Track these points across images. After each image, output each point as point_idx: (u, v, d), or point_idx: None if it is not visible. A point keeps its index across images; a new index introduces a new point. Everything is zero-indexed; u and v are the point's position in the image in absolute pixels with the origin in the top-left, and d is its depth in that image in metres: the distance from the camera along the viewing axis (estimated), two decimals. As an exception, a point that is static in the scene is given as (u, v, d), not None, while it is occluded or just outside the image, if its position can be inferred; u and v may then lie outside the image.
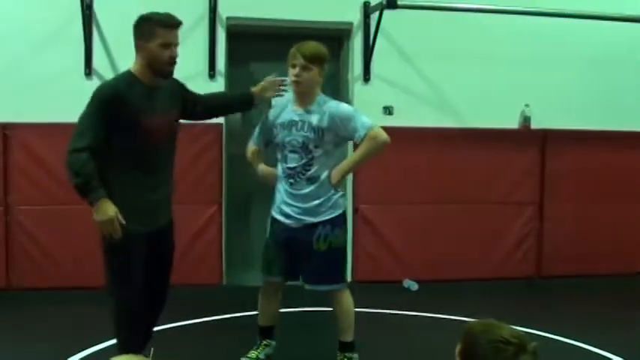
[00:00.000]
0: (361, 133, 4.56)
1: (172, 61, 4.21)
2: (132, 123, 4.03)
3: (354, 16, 7.62)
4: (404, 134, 7.50)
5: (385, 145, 4.66)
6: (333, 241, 4.61)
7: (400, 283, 7.50)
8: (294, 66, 4.55)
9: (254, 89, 4.85)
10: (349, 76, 7.72)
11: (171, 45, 4.19)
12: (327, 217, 4.61)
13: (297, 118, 4.61)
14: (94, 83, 7.05)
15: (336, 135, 4.58)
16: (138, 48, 4.27)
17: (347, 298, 4.78)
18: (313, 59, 4.53)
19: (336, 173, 4.62)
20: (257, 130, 4.93)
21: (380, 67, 7.64)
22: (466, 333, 2.29)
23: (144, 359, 2.10)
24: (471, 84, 7.72)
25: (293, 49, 4.57)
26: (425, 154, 7.66)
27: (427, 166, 7.65)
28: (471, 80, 7.72)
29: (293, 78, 4.57)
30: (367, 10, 7.56)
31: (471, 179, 7.74)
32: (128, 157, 4.09)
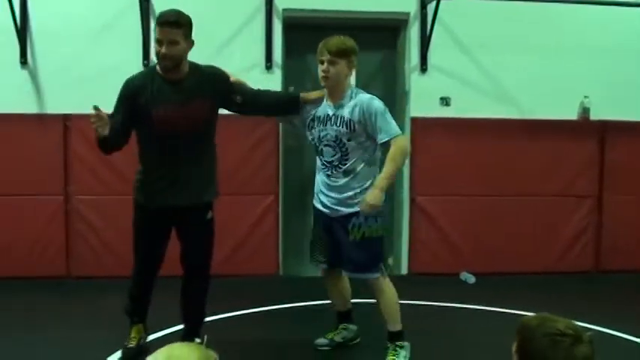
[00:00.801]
0: (384, 137, 4.57)
1: (163, 57, 4.46)
2: (143, 113, 4.48)
3: (411, 6, 7.57)
4: (461, 125, 7.49)
5: (407, 155, 4.79)
6: (366, 230, 4.65)
7: (457, 276, 7.45)
8: (322, 62, 4.65)
9: (303, 95, 4.92)
10: (406, 66, 7.67)
11: (162, 42, 4.43)
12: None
13: (330, 113, 4.69)
14: (153, 75, 7.19)
15: (365, 128, 4.60)
16: None
17: (386, 287, 4.78)
18: (339, 53, 4.61)
19: (373, 196, 4.54)
20: None
21: (437, 58, 7.58)
22: (521, 329, 2.28)
23: (199, 347, 2.11)
24: (530, 74, 7.62)
25: (320, 45, 4.69)
26: (482, 146, 7.58)
27: (484, 158, 7.57)
28: (529, 70, 7.62)
29: (321, 74, 4.65)
30: (424, 0, 7.50)
31: (529, 171, 7.64)
32: (147, 141, 4.60)
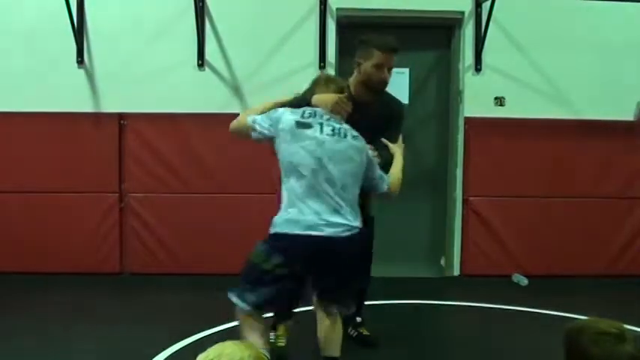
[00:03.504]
0: None
1: (382, 82, 4.72)
2: None
3: (466, 5, 7.50)
4: (515, 125, 7.42)
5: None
6: None
7: (509, 278, 7.38)
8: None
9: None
10: (460, 66, 7.61)
11: (382, 67, 4.67)
12: None
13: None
14: (207, 74, 7.31)
15: None
16: None
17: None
18: None
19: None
20: None
21: (491, 57, 7.51)
22: (567, 334, 2.31)
23: (251, 346, 2.13)
24: (585, 74, 7.51)
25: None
26: (536, 146, 7.49)
27: (538, 158, 7.49)
28: (585, 70, 7.50)
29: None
30: (479, -1, 7.45)
31: (583, 172, 7.53)
32: None
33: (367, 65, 4.60)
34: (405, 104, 4.90)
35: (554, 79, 7.54)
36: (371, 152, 4.17)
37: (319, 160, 3.88)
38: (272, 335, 4.71)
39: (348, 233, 3.86)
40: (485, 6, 7.27)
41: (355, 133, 4.06)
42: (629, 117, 7.63)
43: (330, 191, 3.85)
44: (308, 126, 3.98)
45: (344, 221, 3.85)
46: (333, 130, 3.98)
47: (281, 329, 4.83)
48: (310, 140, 3.93)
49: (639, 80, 7.53)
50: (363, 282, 4.94)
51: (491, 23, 7.24)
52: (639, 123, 7.61)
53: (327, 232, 3.82)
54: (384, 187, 4.24)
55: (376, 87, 4.65)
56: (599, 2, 7.17)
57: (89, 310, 6.08)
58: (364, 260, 4.78)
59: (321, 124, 3.98)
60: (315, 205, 3.85)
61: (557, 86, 7.54)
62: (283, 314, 4.79)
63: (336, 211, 3.85)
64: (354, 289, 4.23)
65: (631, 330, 2.25)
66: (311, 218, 3.84)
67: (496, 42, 7.42)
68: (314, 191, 3.86)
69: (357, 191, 4.01)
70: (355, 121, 4.21)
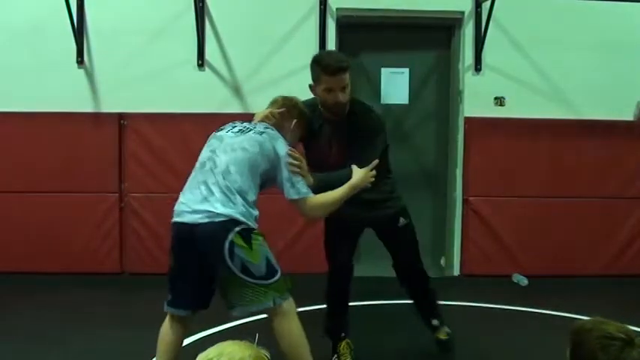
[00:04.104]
0: None
1: (337, 104, 4.30)
2: None
3: (466, 5, 7.51)
4: (515, 125, 7.43)
5: None
6: None
7: (509, 278, 7.38)
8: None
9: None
10: (460, 66, 7.62)
11: (333, 90, 4.24)
12: None
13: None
14: (207, 75, 7.32)
15: None
16: None
17: None
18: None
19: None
20: None
21: (492, 57, 7.51)
22: (573, 333, 2.28)
23: (250, 345, 2.13)
24: (585, 74, 7.51)
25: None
26: (536, 146, 7.49)
27: (538, 158, 7.49)
28: (585, 70, 7.51)
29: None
30: (479, -1, 7.46)
31: (584, 172, 7.53)
32: None
33: (319, 90, 4.26)
34: (381, 116, 4.54)
35: (554, 79, 7.54)
36: (287, 156, 3.89)
37: (213, 152, 3.87)
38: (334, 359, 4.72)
39: (206, 220, 3.71)
40: (485, 6, 7.28)
41: (263, 130, 3.95)
42: (629, 117, 7.64)
43: (210, 180, 3.77)
44: (221, 129, 4.05)
45: (208, 208, 3.70)
46: (240, 129, 3.96)
47: (343, 347, 4.76)
48: (215, 139, 3.97)
49: (639, 80, 7.53)
50: (420, 280, 4.94)
51: (491, 23, 7.25)
52: (639, 123, 7.61)
53: (187, 218, 3.78)
54: (292, 195, 3.88)
55: (332, 110, 4.30)
56: (599, 2, 7.17)
57: (89, 310, 6.09)
58: (408, 255, 4.84)
59: (234, 126, 4.01)
60: (188, 194, 3.85)
61: (557, 86, 7.54)
62: (334, 331, 4.79)
63: (205, 199, 3.74)
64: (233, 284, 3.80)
65: (627, 327, 2.23)
66: (180, 207, 3.86)
67: (496, 42, 7.42)
68: (194, 182, 3.86)
69: (244, 181, 3.77)
70: (327, 138, 4.29)
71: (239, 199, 3.74)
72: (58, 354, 5.00)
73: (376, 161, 4.12)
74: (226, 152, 3.83)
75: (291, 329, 3.84)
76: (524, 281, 7.30)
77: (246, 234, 3.71)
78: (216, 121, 7.10)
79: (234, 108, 7.23)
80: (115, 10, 7.25)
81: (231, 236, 3.67)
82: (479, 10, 7.45)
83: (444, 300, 5.92)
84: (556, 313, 6.00)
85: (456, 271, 7.65)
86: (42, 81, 7.18)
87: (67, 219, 7.25)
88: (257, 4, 7.32)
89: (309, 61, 7.16)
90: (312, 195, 3.94)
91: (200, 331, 5.12)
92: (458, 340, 4.85)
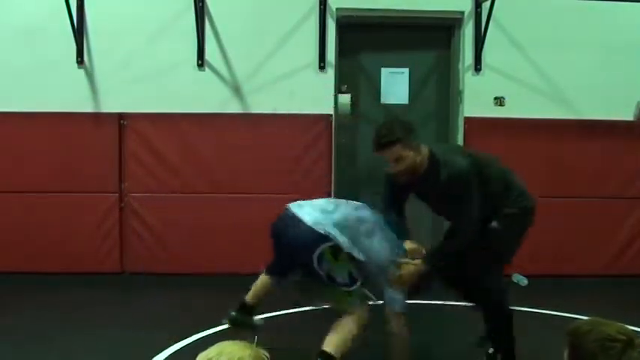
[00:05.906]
0: None
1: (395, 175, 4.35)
2: None
3: (466, 5, 7.51)
4: (515, 125, 7.42)
5: None
6: None
7: (509, 278, 7.37)
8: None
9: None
10: (460, 66, 7.61)
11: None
12: None
13: None
14: (207, 74, 7.32)
15: None
16: None
17: None
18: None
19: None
20: None
21: (491, 57, 7.51)
22: (571, 334, 2.25)
23: (250, 345, 2.13)
24: (585, 74, 7.50)
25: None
26: (536, 146, 7.48)
27: (538, 158, 7.47)
28: (585, 70, 7.50)
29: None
30: (478, -1, 7.46)
31: (583, 172, 7.53)
32: None
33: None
34: (460, 165, 4.32)
35: (554, 79, 7.54)
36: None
37: None
38: None
39: None
40: (485, 6, 7.28)
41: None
42: (629, 117, 7.63)
43: None
44: None
45: None
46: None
47: None
48: None
49: (639, 80, 7.53)
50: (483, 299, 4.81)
51: (491, 23, 7.25)
52: (639, 123, 7.61)
53: None
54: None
55: (397, 178, 4.33)
56: (599, 2, 7.17)
57: (89, 310, 6.08)
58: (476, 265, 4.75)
59: None
60: None
61: (557, 86, 7.54)
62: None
63: None
64: None
65: (627, 327, 2.22)
66: None
67: (496, 42, 7.42)
68: None
69: None
70: (416, 189, 4.50)
71: None
72: (58, 354, 4.99)
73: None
74: None
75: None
76: (524, 281, 7.27)
77: None
78: (216, 121, 7.21)
79: (234, 108, 7.24)
80: (114, 10, 7.25)
81: None
82: (479, 10, 7.45)
83: (444, 300, 5.93)
84: (556, 313, 6.01)
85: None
86: (42, 81, 7.18)
87: (68, 219, 7.25)
88: (257, 4, 7.32)
89: (309, 61, 7.21)
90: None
91: (199, 332, 5.13)
92: (458, 340, 4.85)
